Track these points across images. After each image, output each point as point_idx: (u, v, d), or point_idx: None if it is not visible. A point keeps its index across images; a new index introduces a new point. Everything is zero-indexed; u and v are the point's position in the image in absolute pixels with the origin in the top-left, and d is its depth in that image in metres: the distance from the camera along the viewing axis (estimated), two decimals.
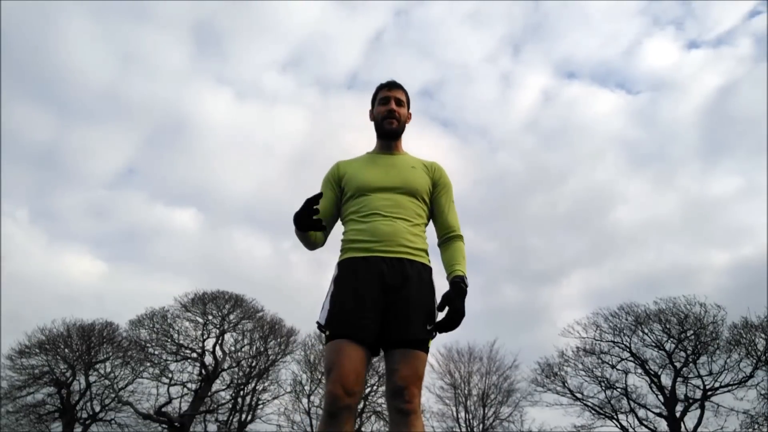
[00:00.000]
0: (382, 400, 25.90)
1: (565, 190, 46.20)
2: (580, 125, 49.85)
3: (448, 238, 2.55)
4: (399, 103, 2.61)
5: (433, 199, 2.59)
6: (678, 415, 22.39)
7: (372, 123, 2.67)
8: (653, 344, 23.65)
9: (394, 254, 2.36)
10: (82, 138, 48.47)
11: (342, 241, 2.51)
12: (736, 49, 49.85)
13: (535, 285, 43.97)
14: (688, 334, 23.07)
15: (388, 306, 2.27)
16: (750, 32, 49.69)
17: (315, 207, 2.21)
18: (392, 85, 2.64)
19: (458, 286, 2.34)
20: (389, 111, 2.58)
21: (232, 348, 25.96)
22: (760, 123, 43.62)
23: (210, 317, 25.83)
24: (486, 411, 26.24)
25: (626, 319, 24.16)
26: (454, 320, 2.28)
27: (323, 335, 2.31)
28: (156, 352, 25.34)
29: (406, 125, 2.66)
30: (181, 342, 25.47)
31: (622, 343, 24.11)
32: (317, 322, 2.34)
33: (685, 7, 53.63)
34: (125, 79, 48.49)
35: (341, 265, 2.42)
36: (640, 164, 48.79)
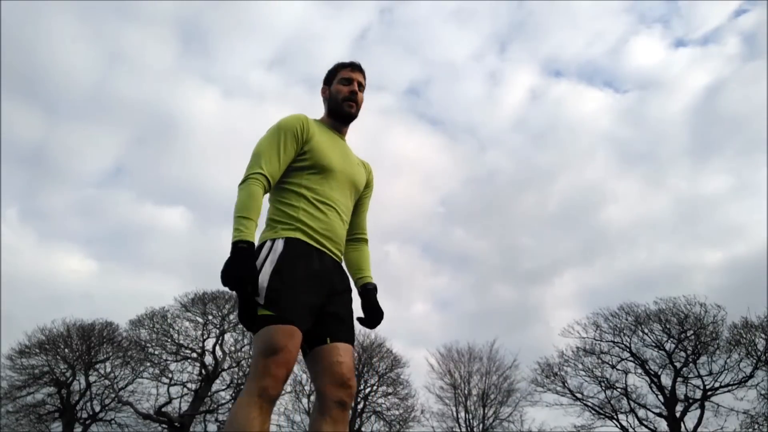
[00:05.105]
0: (382, 400, 25.94)
1: (555, 188, 45.81)
2: (568, 124, 49.48)
3: (359, 239, 2.52)
4: (360, 87, 2.42)
5: (359, 200, 2.51)
6: (678, 415, 22.40)
7: (324, 100, 2.46)
8: (653, 344, 23.67)
9: (339, 259, 2.32)
10: (69, 137, 48.59)
11: (281, 211, 2.22)
12: (723, 48, 49.73)
13: (526, 284, 43.84)
14: (688, 334, 23.07)
15: (328, 306, 2.18)
16: (737, 31, 49.79)
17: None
18: (356, 67, 2.43)
19: (374, 293, 2.43)
20: (352, 92, 2.37)
21: (232, 348, 25.93)
22: (748, 121, 43.49)
23: (210, 317, 25.81)
24: (486, 411, 26.26)
25: (626, 319, 24.17)
26: (376, 321, 2.41)
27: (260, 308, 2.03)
28: (156, 352, 25.35)
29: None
30: (181, 342, 25.48)
31: (622, 343, 24.13)
32: (256, 300, 2.02)
33: (671, 5, 53.55)
34: (112, 78, 48.23)
35: (292, 243, 2.14)
36: (630, 163, 48.51)
